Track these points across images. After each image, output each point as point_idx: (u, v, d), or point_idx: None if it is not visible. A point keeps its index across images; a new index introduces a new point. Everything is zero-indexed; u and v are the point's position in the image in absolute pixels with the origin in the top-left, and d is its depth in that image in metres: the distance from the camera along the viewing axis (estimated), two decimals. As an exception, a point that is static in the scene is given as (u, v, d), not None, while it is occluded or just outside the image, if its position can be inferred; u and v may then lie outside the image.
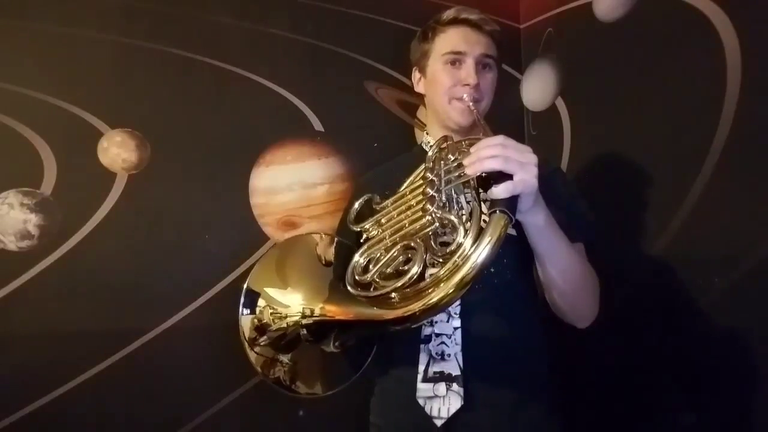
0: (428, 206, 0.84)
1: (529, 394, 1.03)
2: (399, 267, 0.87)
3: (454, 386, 0.98)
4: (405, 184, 1.00)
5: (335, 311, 0.93)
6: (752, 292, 1.07)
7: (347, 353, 1.05)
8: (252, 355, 0.99)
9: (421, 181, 0.91)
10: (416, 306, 0.75)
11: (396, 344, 1.08)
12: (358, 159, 1.63)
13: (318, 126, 1.63)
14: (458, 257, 0.75)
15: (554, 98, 1.67)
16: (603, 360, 1.42)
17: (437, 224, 0.83)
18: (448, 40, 1.10)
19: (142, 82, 1.48)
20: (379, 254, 0.90)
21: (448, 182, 0.84)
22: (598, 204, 1.47)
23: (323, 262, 1.07)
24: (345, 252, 1.04)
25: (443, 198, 0.83)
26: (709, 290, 1.15)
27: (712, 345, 1.15)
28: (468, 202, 0.83)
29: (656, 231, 1.28)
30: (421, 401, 0.99)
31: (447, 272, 0.76)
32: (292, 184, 1.58)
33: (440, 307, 0.75)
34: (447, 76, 1.09)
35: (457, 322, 1.01)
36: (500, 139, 0.80)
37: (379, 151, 1.65)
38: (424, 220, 0.85)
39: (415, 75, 1.20)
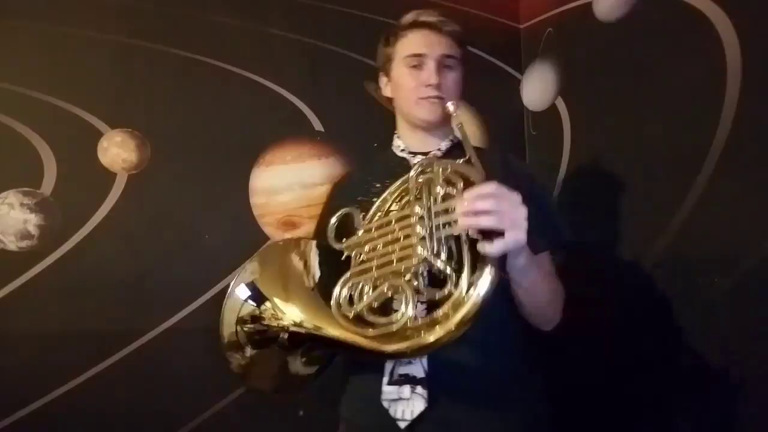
0: (419, 250, 0.84)
1: (493, 396, 1.04)
2: (385, 301, 0.90)
3: (419, 389, 0.99)
4: (383, 197, 0.99)
5: (328, 331, 0.93)
6: (752, 292, 1.07)
7: (305, 369, 1.06)
8: (230, 329, 1.00)
9: (408, 212, 0.89)
10: (409, 344, 0.81)
11: None
12: (358, 159, 1.63)
13: (318, 126, 1.63)
14: (449, 307, 0.80)
15: (554, 98, 1.67)
16: (602, 360, 1.42)
17: (425, 266, 0.85)
18: (409, 43, 1.11)
19: (142, 82, 1.48)
20: (365, 286, 0.91)
21: (438, 228, 0.84)
22: (597, 204, 1.47)
23: (314, 280, 1.06)
24: (329, 267, 1.04)
25: (434, 243, 0.84)
26: (709, 290, 1.15)
27: (712, 345, 1.15)
28: (458, 248, 0.84)
29: (656, 231, 1.27)
30: (385, 404, 1.00)
31: (440, 317, 0.80)
32: (292, 184, 1.58)
33: (431, 348, 0.80)
34: (410, 79, 1.10)
35: None
36: (493, 188, 0.80)
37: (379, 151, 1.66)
38: (414, 261, 0.85)
39: (382, 80, 1.20)
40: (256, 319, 1.00)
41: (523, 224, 0.80)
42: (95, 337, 1.39)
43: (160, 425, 1.43)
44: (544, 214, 1.09)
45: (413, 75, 1.10)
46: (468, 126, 1.14)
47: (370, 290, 0.90)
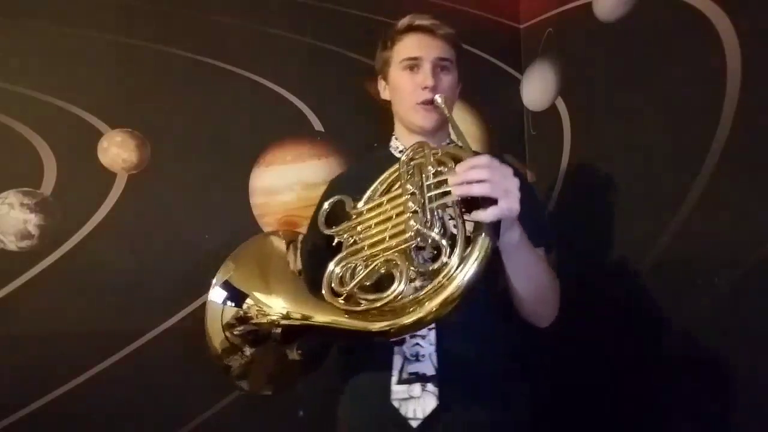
0: (411, 222, 0.84)
1: (503, 391, 1.05)
2: (377, 280, 0.88)
3: (429, 386, 0.99)
4: (373, 187, 1.00)
5: (317, 318, 0.92)
6: (752, 292, 1.07)
7: (302, 359, 1.04)
8: (219, 338, 0.98)
9: (400, 191, 0.90)
10: (402, 320, 0.79)
11: (369, 346, 1.07)
12: (358, 159, 1.63)
13: (318, 126, 1.63)
14: (443, 277, 0.79)
15: (554, 98, 1.67)
16: (600, 359, 1.42)
17: (419, 240, 0.84)
18: (405, 47, 1.14)
19: (142, 82, 1.48)
20: (357, 265, 0.90)
21: (431, 199, 0.84)
22: (597, 204, 1.47)
23: (296, 270, 1.05)
24: (316, 256, 1.04)
25: (427, 215, 0.84)
26: (709, 290, 1.15)
27: (712, 345, 1.15)
28: (451, 220, 0.84)
29: (656, 231, 1.27)
30: (395, 403, 0.99)
31: (432, 290, 0.79)
32: (292, 184, 1.58)
33: (425, 322, 0.79)
34: (406, 82, 1.13)
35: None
36: (486, 160, 0.81)
37: (379, 151, 1.65)
38: (406, 236, 0.85)
39: (381, 83, 1.23)
40: (242, 320, 0.97)
41: (516, 193, 0.81)
42: (95, 337, 1.39)
43: (160, 425, 1.43)
44: (540, 213, 1.12)
45: (409, 78, 1.12)
46: (462, 123, 1.16)
47: (362, 269, 0.89)
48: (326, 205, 1.03)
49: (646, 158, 1.33)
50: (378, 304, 0.82)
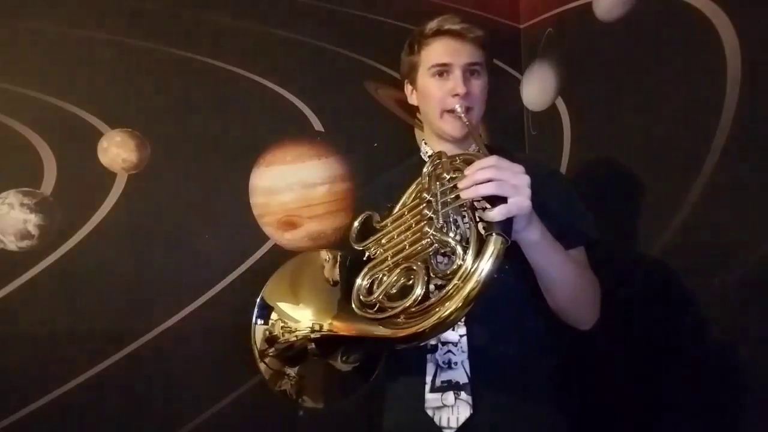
0: (427, 229, 0.86)
1: (536, 396, 1.04)
2: (402, 288, 0.90)
3: (463, 394, 0.98)
4: (402, 201, 1.02)
5: (344, 328, 0.94)
6: (752, 292, 1.07)
7: (353, 368, 1.05)
8: (262, 366, 1.00)
9: (418, 201, 0.92)
10: (424, 324, 0.80)
11: (403, 355, 1.07)
12: (358, 159, 1.63)
13: (318, 126, 1.63)
14: (459, 278, 0.80)
15: (554, 98, 1.67)
16: (603, 360, 1.42)
17: (436, 245, 0.86)
18: (433, 52, 1.10)
19: (142, 82, 1.48)
20: (381, 275, 0.92)
21: (444, 204, 0.86)
22: (597, 204, 1.47)
23: (331, 283, 1.07)
24: (349, 269, 1.05)
25: (441, 220, 0.85)
26: (709, 290, 1.15)
27: (712, 345, 1.15)
28: (465, 223, 0.86)
29: (656, 231, 1.28)
30: (429, 412, 0.99)
31: (451, 291, 0.80)
32: (292, 184, 1.58)
33: (447, 324, 0.80)
34: (436, 89, 1.10)
35: (462, 330, 1.01)
36: (493, 160, 0.81)
37: (379, 151, 1.66)
38: (423, 242, 0.87)
39: (407, 88, 1.21)
40: (271, 341, 0.99)
41: (526, 191, 0.80)
42: (95, 337, 1.39)
43: (160, 425, 1.43)
44: (575, 213, 1.11)
45: (439, 84, 1.09)
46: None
47: (386, 278, 0.91)
48: (356, 223, 1.04)
49: (645, 158, 1.33)
50: (399, 310, 0.84)
